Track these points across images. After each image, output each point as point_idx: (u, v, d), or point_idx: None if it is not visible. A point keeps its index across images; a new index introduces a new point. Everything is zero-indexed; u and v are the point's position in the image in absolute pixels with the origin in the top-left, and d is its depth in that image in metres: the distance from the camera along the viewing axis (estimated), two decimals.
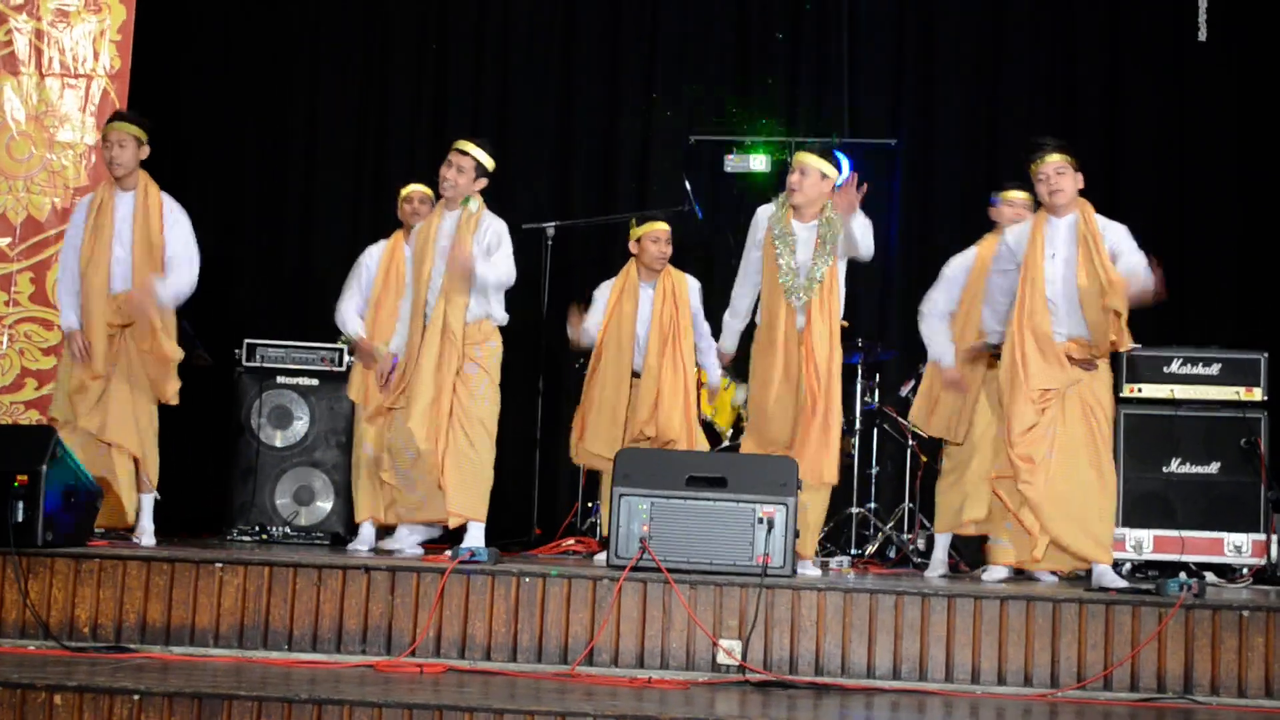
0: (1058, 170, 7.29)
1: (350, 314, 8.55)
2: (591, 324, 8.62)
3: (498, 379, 7.76)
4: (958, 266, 8.17)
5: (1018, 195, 8.10)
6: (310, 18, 11.17)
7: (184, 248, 7.93)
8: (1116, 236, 7.34)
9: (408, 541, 7.89)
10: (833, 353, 7.55)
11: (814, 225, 7.62)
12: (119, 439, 7.76)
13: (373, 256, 8.68)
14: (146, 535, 7.82)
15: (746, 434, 7.80)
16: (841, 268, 7.66)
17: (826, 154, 7.69)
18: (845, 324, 7.77)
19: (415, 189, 8.73)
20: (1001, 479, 7.29)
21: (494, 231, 7.76)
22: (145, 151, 7.89)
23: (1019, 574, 7.58)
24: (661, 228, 8.59)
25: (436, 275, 7.68)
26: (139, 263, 7.75)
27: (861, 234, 7.47)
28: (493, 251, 7.71)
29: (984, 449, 7.85)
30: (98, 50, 9.75)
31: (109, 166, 7.82)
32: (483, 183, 7.81)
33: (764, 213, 7.74)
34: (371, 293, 8.55)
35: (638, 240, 8.62)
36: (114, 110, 9.50)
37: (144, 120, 7.96)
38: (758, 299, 7.80)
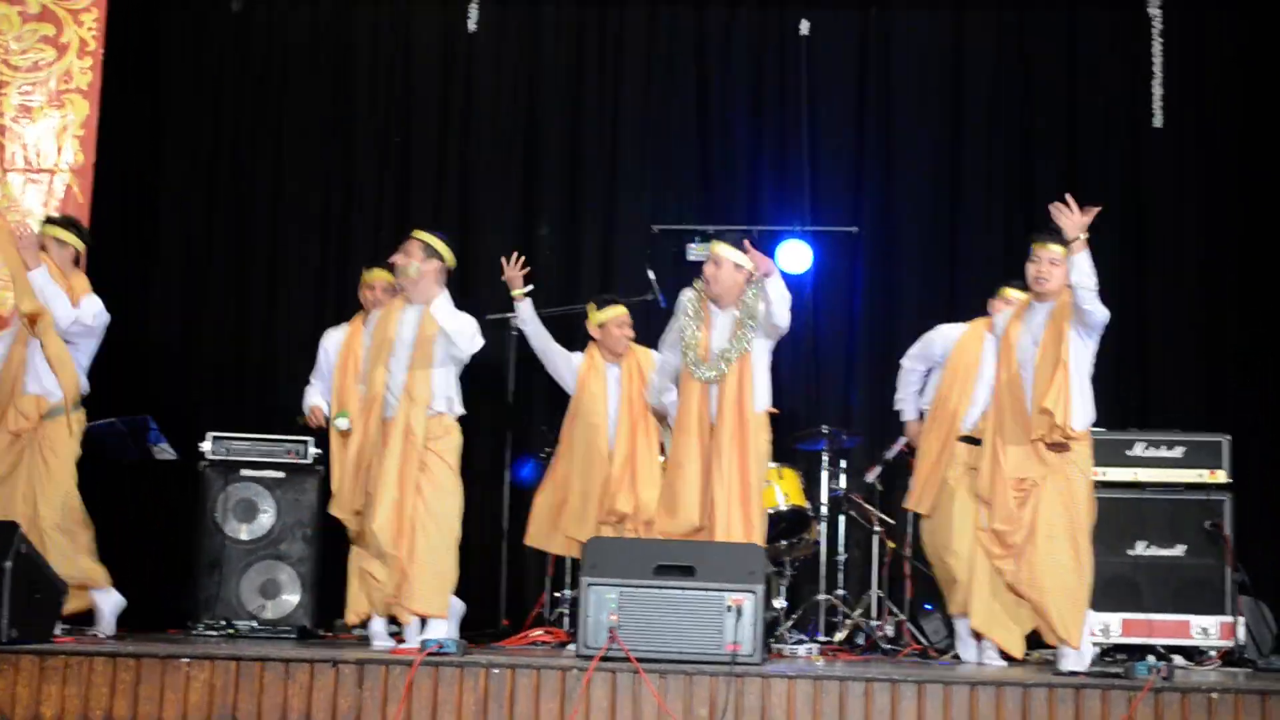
0: (1051, 260, 7.43)
1: (313, 397, 8.61)
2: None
3: (459, 470, 7.76)
4: (944, 331, 8.34)
5: (1016, 294, 8.20)
6: (274, 114, 11.19)
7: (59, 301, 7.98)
8: (1089, 327, 7.49)
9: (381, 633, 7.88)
10: (746, 442, 7.58)
11: (731, 311, 7.70)
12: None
13: (332, 340, 8.72)
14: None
15: (658, 512, 7.82)
16: (762, 353, 7.71)
17: (739, 245, 7.72)
18: (774, 411, 7.82)
19: (380, 275, 8.76)
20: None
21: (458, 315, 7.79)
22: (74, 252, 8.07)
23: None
24: (622, 312, 8.70)
25: (398, 370, 7.68)
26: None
27: (778, 301, 7.52)
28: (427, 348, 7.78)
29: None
30: (61, 145, 9.77)
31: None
32: (438, 274, 7.81)
33: (686, 295, 7.83)
34: (334, 379, 8.56)
35: (600, 325, 8.70)
36: (76, 205, 9.53)
37: (75, 221, 8.16)
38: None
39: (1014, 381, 7.44)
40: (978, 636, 7.80)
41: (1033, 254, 7.49)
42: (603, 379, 8.64)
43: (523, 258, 8.50)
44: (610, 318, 8.69)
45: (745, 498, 7.55)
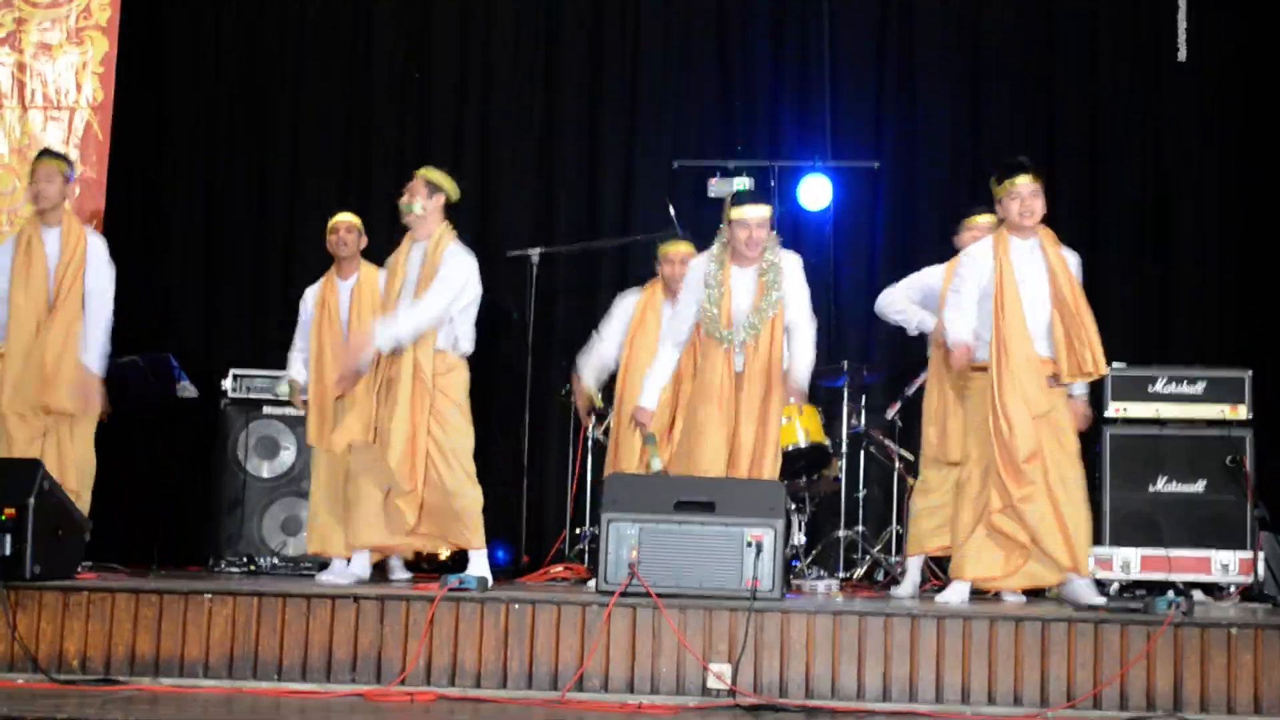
0: (1033, 192, 7.33)
1: (295, 360, 8.61)
2: (609, 335, 8.76)
3: (467, 409, 7.76)
4: (928, 273, 8.30)
5: (984, 219, 8.16)
6: (293, 47, 11.16)
7: (97, 281, 8.00)
8: (1074, 267, 7.41)
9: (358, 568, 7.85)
10: (771, 405, 7.60)
11: (752, 269, 7.67)
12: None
13: (308, 300, 8.70)
14: None
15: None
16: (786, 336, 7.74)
17: (758, 197, 7.72)
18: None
19: (341, 219, 8.69)
20: (1003, 512, 7.26)
21: (446, 265, 7.72)
22: (73, 188, 7.98)
23: (978, 593, 7.56)
24: (690, 249, 8.53)
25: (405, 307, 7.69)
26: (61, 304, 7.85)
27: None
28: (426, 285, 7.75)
29: (976, 476, 7.80)
30: (80, 82, 9.77)
31: (34, 200, 7.86)
32: (440, 207, 7.82)
33: (701, 269, 7.74)
34: (310, 337, 8.55)
35: (666, 259, 8.68)
36: (96, 142, 9.53)
37: (67, 156, 8.17)
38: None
39: (1019, 318, 7.33)
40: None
41: (1011, 192, 7.37)
42: (659, 317, 8.62)
43: None
44: (669, 252, 8.65)
45: (761, 456, 7.58)
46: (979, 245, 7.56)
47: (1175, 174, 10.58)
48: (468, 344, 7.77)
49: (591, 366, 8.95)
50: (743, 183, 10.25)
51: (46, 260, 7.84)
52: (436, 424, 7.59)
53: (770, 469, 7.55)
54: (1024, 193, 7.32)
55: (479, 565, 7.53)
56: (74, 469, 7.84)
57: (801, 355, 7.77)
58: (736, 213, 7.61)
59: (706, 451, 7.53)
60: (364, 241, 8.71)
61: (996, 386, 7.23)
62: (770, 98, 11.00)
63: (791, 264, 7.71)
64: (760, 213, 7.61)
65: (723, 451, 7.54)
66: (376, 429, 7.61)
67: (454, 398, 7.67)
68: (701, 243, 8.03)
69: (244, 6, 11.18)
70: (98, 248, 8.00)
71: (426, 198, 7.76)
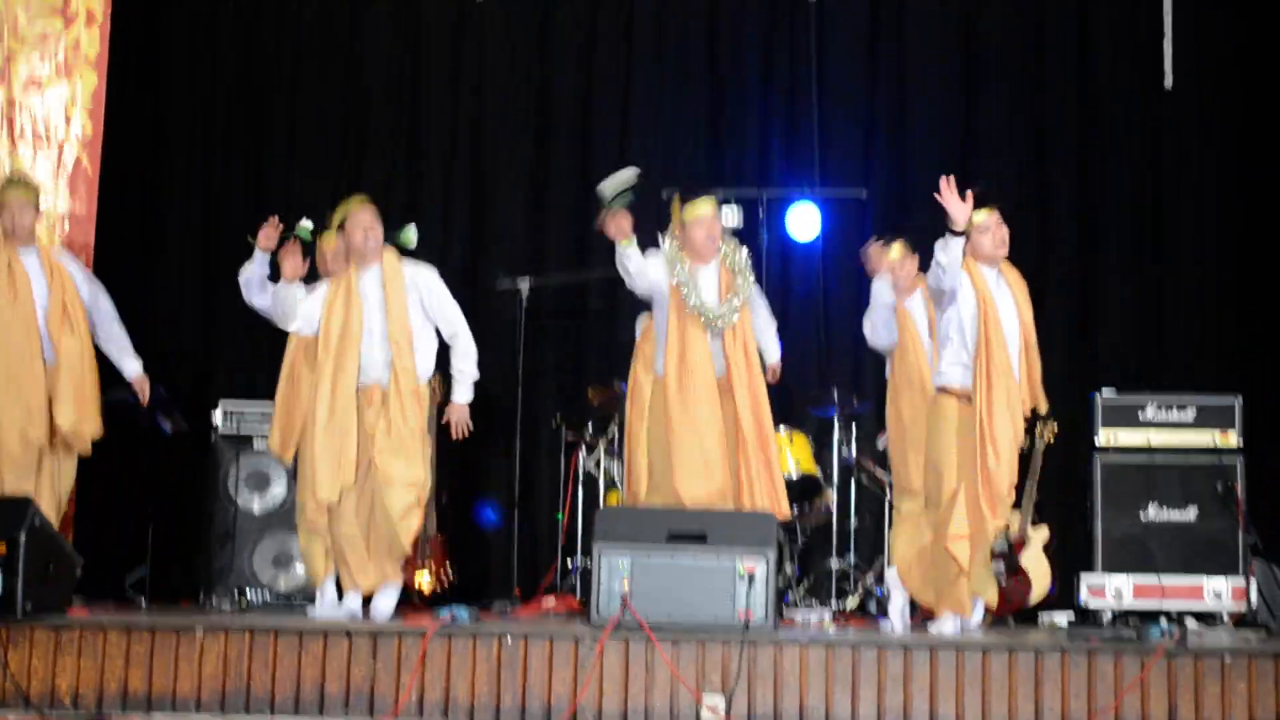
0: (998, 221, 7.41)
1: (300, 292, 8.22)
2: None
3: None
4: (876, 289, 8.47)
5: (898, 252, 8.36)
6: (286, 86, 11.12)
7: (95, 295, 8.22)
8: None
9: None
10: (758, 394, 7.73)
11: (713, 264, 7.79)
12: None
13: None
14: None
15: (680, 480, 7.60)
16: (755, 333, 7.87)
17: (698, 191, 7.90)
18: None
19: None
20: (958, 539, 7.24)
21: (427, 287, 7.85)
22: (60, 221, 8.06)
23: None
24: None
25: (376, 334, 7.71)
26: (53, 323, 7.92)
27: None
28: (437, 310, 7.83)
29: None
30: (69, 117, 9.77)
31: (10, 233, 7.88)
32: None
33: (660, 266, 7.81)
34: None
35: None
36: (85, 177, 9.52)
37: (36, 182, 8.29)
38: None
39: (1003, 347, 7.34)
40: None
41: (980, 224, 7.39)
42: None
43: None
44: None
45: (766, 452, 7.67)
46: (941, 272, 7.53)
47: (1173, 175, 10.56)
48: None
49: None
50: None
51: (30, 283, 7.88)
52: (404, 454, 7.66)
53: (772, 443, 7.70)
54: (991, 224, 7.40)
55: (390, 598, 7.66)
56: (58, 503, 7.88)
57: (767, 329, 8.08)
58: (692, 213, 7.70)
59: (707, 451, 7.58)
60: None
61: (986, 416, 7.23)
62: (759, 126, 11.00)
63: (740, 246, 7.92)
64: (711, 207, 7.81)
65: (720, 448, 7.60)
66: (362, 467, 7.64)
67: (419, 426, 7.74)
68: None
69: (232, 38, 11.15)
70: (75, 263, 8.17)
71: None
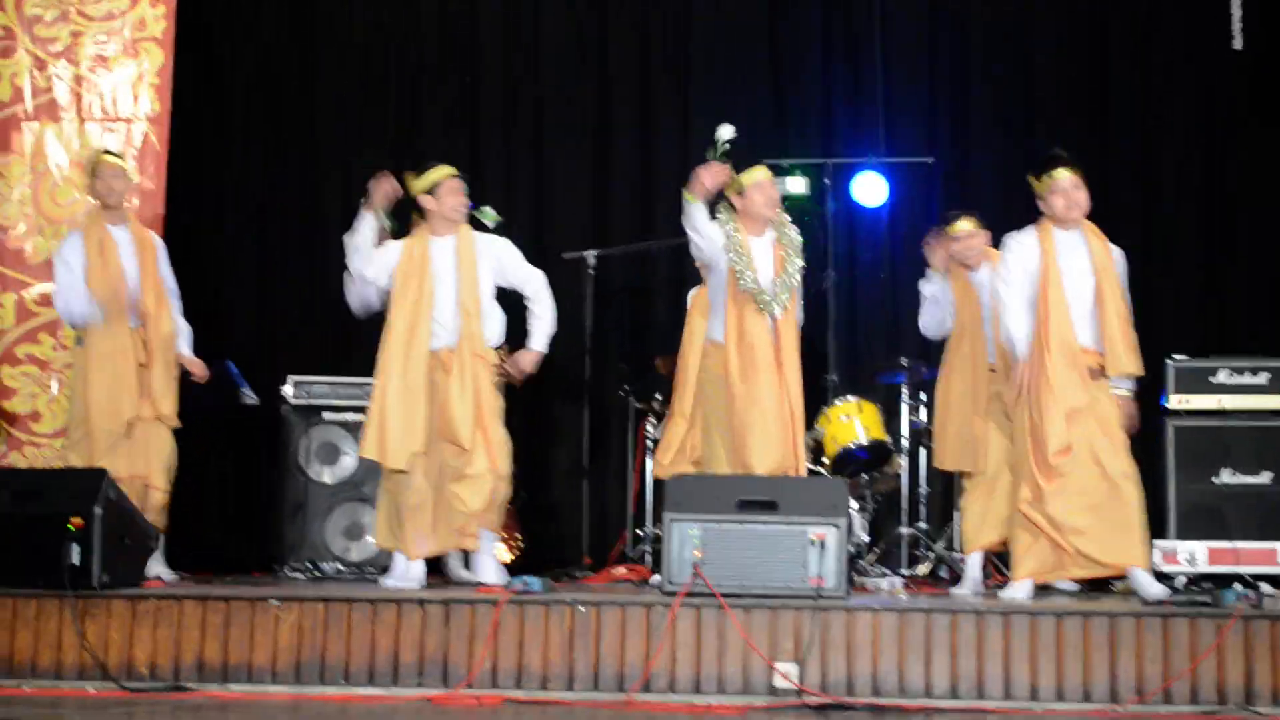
0: (1074, 184, 7.34)
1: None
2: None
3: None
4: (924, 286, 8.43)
5: (966, 226, 8.16)
6: (345, 58, 11.18)
7: (171, 278, 8.38)
8: (1119, 264, 7.45)
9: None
10: (799, 374, 7.80)
11: (767, 236, 7.81)
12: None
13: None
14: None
15: (746, 454, 7.63)
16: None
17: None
18: None
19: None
20: (1032, 504, 7.21)
21: (504, 254, 8.02)
22: (132, 195, 8.23)
23: (1041, 588, 7.52)
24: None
25: (448, 301, 7.78)
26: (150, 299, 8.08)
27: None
28: (515, 274, 7.99)
29: (1005, 471, 7.81)
30: (137, 95, 9.82)
31: (104, 196, 7.97)
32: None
33: (727, 235, 7.80)
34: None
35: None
36: (153, 153, 9.58)
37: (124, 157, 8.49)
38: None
39: (1063, 306, 7.30)
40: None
41: (1054, 186, 7.35)
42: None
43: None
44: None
45: (799, 432, 7.75)
46: (1022, 232, 7.52)
47: (1236, 162, 10.47)
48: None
49: None
50: (797, 182, 10.11)
51: (120, 257, 7.97)
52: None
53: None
54: (1066, 185, 7.33)
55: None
56: (164, 466, 8.02)
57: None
58: (750, 178, 7.71)
59: (770, 423, 7.60)
60: None
61: (1030, 376, 7.19)
62: (823, 94, 10.97)
63: (792, 225, 7.93)
64: (767, 172, 7.89)
65: (782, 415, 7.63)
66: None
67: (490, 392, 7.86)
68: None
69: (294, 15, 11.19)
70: (162, 245, 8.31)
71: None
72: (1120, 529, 7.17)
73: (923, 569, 9.29)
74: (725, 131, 7.69)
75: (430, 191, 7.88)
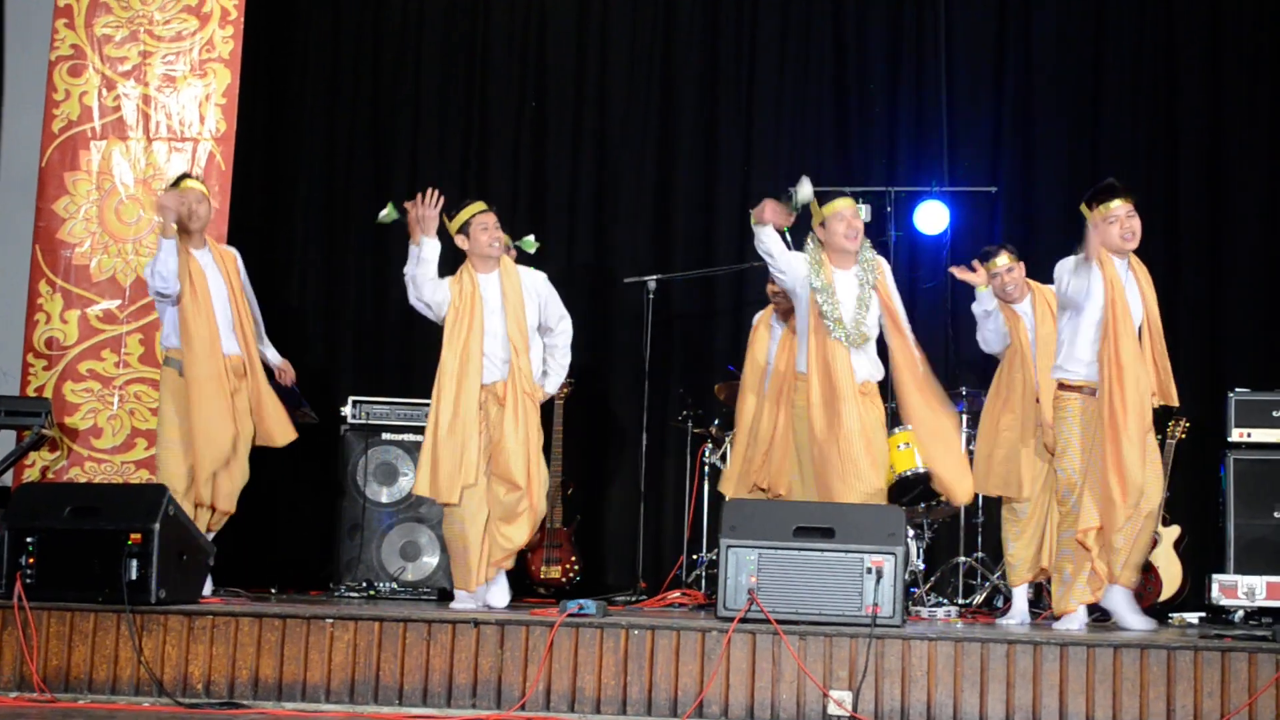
0: (1129, 213, 7.31)
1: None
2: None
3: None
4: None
5: (1003, 261, 8.13)
6: (410, 80, 11.26)
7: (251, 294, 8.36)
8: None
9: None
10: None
11: (852, 272, 7.73)
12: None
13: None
14: None
15: (848, 489, 7.57)
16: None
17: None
18: None
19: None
20: (1090, 531, 7.18)
21: (544, 291, 8.02)
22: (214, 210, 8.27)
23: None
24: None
25: (498, 336, 7.80)
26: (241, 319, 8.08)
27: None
28: (550, 313, 8.00)
29: (1043, 497, 7.82)
30: (204, 114, 9.90)
31: (187, 220, 7.97)
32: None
33: (806, 268, 7.74)
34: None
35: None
36: (219, 173, 9.66)
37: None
38: None
39: (1132, 338, 7.28)
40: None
41: (1108, 215, 7.29)
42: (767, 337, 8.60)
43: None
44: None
45: (881, 462, 7.72)
46: (1078, 259, 7.43)
47: None
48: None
49: None
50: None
51: (208, 281, 7.98)
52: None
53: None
54: (1121, 214, 7.30)
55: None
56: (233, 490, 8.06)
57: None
58: (831, 208, 7.69)
59: (853, 454, 7.54)
60: None
61: (1119, 401, 7.13)
62: (887, 123, 10.97)
63: (884, 265, 7.88)
64: (850, 203, 7.78)
65: (867, 445, 7.60)
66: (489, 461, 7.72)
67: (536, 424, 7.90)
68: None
69: (360, 38, 11.28)
70: (238, 256, 8.30)
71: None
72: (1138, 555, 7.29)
73: (978, 598, 9.25)
74: (805, 191, 7.67)
75: (462, 231, 7.90)
